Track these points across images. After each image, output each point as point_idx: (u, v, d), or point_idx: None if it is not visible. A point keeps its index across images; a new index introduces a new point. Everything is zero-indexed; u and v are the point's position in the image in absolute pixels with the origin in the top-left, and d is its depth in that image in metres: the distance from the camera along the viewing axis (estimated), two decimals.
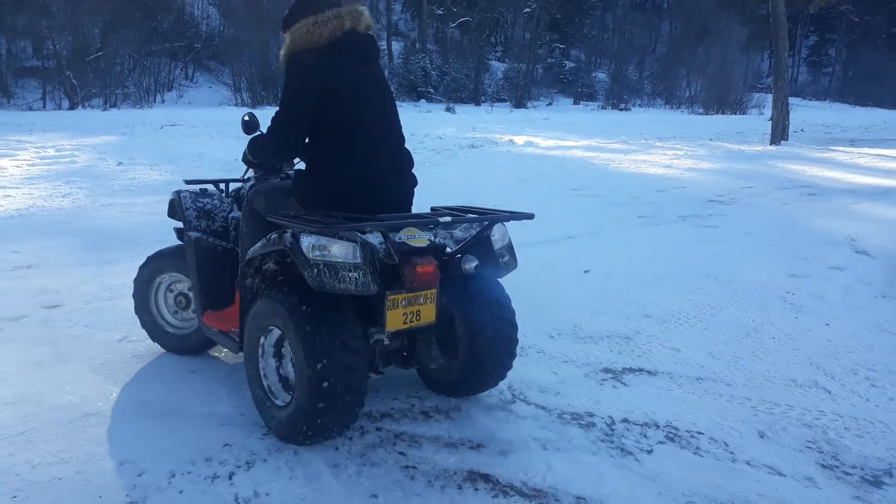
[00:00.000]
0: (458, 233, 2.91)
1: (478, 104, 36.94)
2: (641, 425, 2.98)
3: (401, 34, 45.56)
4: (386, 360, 2.94)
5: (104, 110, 23.29)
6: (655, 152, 14.69)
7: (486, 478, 2.54)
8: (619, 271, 5.41)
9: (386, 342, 2.84)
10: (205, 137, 12.50)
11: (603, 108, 39.12)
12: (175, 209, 3.49)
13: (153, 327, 3.63)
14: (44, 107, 26.12)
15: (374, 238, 2.65)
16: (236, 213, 3.40)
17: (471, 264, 2.75)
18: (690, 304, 4.65)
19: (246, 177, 3.59)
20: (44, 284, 3.79)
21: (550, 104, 39.71)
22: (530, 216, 2.83)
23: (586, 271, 5.41)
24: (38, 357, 3.48)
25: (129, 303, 3.68)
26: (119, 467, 2.51)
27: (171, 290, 3.64)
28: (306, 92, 2.77)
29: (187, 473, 2.50)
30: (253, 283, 2.88)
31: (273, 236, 2.65)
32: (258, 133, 3.23)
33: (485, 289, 2.97)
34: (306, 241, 2.49)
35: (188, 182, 3.67)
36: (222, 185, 3.67)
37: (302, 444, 2.66)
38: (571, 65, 45.16)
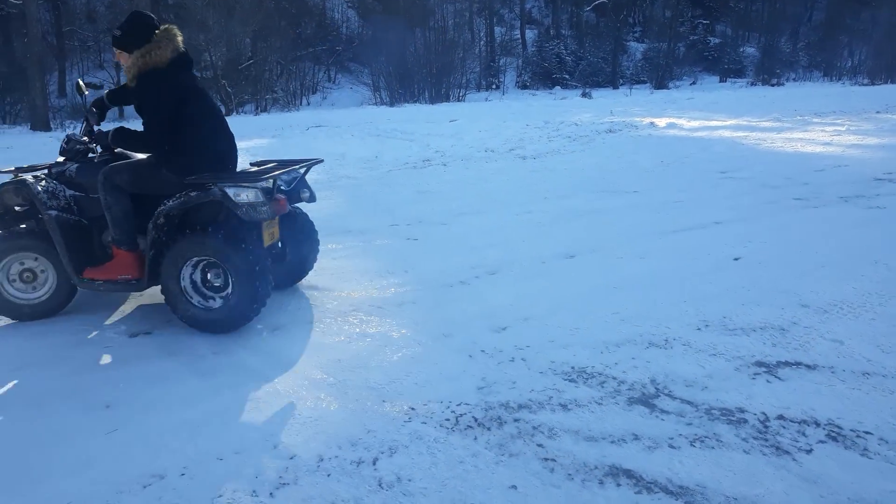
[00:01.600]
0: (284, 177, 4.18)
1: (615, 87, 35.86)
2: (799, 423, 2.78)
3: (535, 22, 45.08)
4: None
5: (255, 115, 24.81)
6: (813, 129, 13.61)
7: (629, 473, 2.47)
8: (773, 258, 5.06)
9: None
10: (347, 137, 12.94)
11: (752, 84, 36.68)
12: None
13: (9, 307, 4.13)
14: None
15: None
16: (70, 191, 4.13)
17: (305, 194, 4.34)
18: (855, 292, 4.27)
19: (61, 160, 4.21)
20: None
21: (694, 83, 37.81)
22: (320, 161, 4.35)
23: (736, 259, 5.10)
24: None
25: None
26: (273, 450, 2.68)
27: (15, 270, 4.13)
28: (167, 99, 3.76)
29: (334, 458, 2.61)
30: (159, 234, 3.81)
31: (193, 194, 3.70)
32: (131, 129, 3.95)
33: (298, 216, 4.54)
34: (231, 191, 3.63)
35: (15, 171, 4.22)
36: (44, 171, 4.21)
37: (229, 332, 3.79)
38: (716, 41, 42.66)
